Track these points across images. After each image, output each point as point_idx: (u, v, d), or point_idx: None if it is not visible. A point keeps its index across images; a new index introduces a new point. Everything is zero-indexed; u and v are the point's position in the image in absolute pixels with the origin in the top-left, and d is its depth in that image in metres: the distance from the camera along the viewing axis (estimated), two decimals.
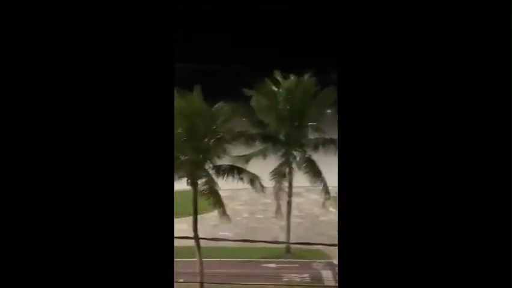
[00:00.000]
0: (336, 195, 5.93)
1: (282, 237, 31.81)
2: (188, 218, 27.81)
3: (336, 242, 5.73)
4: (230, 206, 32.93)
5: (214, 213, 28.31)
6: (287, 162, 31.26)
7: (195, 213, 26.42)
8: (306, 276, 28.60)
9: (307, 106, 30.95)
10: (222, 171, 26.81)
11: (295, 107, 30.99)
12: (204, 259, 26.14)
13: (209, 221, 32.92)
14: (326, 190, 30.11)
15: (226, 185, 27.35)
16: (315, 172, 30.28)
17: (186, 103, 25.54)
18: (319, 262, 30.11)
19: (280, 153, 31.35)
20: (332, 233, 30.94)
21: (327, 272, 29.05)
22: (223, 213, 26.37)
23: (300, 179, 31.71)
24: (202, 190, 26.24)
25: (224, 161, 27.27)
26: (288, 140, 31.43)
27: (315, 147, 30.86)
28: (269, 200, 33.68)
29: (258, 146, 31.43)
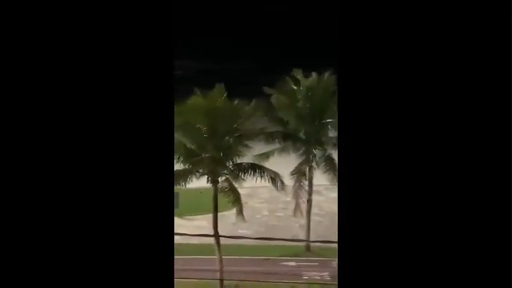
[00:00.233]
0: None
1: (302, 236, 31.80)
2: (208, 215, 27.92)
3: None
4: (250, 203, 33.05)
5: (235, 211, 28.39)
6: (307, 161, 31.25)
7: (215, 211, 26.52)
8: (325, 274, 28.54)
9: (327, 104, 30.92)
10: (242, 169, 26.86)
11: (316, 105, 30.99)
12: (223, 256, 26.23)
13: (229, 218, 33.00)
14: None
15: (246, 183, 27.41)
16: (335, 170, 30.22)
17: (207, 101, 25.61)
18: None
19: (300, 152, 31.34)
20: None
21: None
22: (240, 211, 26.42)
23: (320, 178, 31.68)
24: (222, 188, 26.32)
25: (244, 159, 27.32)
26: (308, 138, 31.43)
27: (335, 146, 30.79)
28: (289, 198, 33.66)
29: (277, 144, 31.45)
